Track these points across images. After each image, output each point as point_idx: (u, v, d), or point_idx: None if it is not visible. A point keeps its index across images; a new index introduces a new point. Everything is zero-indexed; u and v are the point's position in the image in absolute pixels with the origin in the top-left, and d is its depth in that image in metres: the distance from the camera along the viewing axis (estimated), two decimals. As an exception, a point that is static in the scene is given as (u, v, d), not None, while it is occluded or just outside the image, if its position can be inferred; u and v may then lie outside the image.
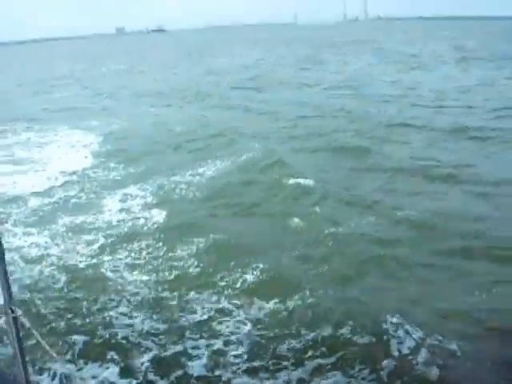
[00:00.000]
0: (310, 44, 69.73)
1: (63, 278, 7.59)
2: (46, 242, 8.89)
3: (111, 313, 6.65)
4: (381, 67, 35.42)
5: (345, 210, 9.68)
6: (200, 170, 12.34)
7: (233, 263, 7.73)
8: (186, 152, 14.51)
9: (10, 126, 19.91)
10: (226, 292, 7.03)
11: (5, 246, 2.72)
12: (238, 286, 7.18)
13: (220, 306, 6.72)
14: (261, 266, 7.60)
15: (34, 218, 10.09)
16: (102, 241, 8.86)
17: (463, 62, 36.01)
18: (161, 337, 6.18)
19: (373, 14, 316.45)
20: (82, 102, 25.88)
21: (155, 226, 9.37)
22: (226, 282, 7.27)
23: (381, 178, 11.31)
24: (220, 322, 6.38)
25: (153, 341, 6.09)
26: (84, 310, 6.74)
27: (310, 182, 11.02)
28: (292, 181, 11.18)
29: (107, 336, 6.18)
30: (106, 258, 8.21)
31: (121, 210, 10.24)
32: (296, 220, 9.21)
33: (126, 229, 9.33)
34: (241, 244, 8.52)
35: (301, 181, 11.08)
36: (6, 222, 9.81)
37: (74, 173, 13.04)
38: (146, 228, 9.27)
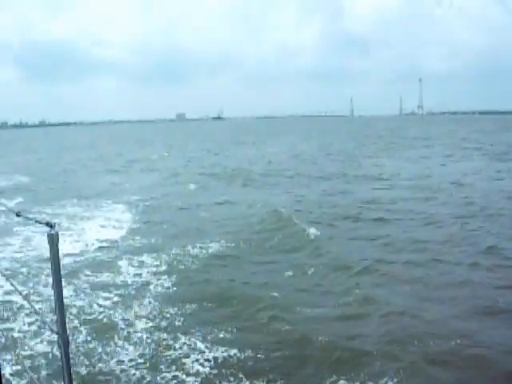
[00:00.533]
0: (355, 137, 72.44)
1: (83, 326, 9.27)
2: (70, 295, 10.70)
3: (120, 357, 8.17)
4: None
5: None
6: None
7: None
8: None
9: (68, 199, 23.22)
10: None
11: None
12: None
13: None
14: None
15: (64, 271, 12.07)
16: (116, 297, 10.67)
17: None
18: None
19: (428, 109, 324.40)
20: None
21: (162, 290, 11.12)
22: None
23: None
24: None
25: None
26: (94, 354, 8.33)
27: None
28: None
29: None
30: (119, 310, 9.97)
31: (135, 275, 12.12)
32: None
33: (137, 288, 11.12)
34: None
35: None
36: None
37: (105, 241, 15.30)
38: (154, 290, 10.99)
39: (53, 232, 2.34)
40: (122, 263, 12.93)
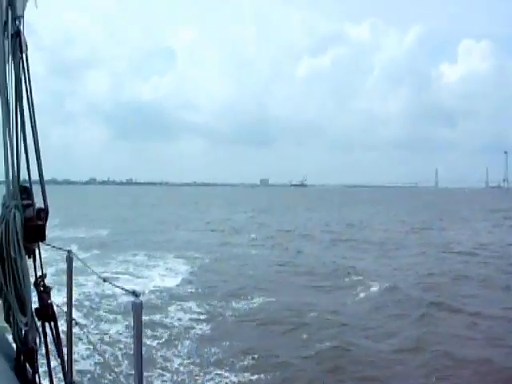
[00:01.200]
0: (432, 211, 70.69)
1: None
2: (118, 331, 12.08)
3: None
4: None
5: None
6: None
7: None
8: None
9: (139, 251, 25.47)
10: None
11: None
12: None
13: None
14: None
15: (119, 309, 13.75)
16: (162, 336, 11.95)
17: None
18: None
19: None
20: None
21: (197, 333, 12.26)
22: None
23: None
24: None
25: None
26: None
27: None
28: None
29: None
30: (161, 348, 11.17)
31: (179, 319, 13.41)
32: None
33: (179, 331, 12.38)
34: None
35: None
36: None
37: (160, 287, 16.83)
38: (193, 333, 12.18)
39: (137, 301, 2.36)
40: (171, 308, 14.30)
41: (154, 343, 11.39)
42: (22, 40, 3.13)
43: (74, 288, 3.65)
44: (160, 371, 9.70)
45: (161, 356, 10.54)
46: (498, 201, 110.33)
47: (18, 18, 3.14)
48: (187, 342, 11.50)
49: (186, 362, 10.31)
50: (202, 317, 13.57)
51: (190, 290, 16.74)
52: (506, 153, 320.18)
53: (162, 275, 19.13)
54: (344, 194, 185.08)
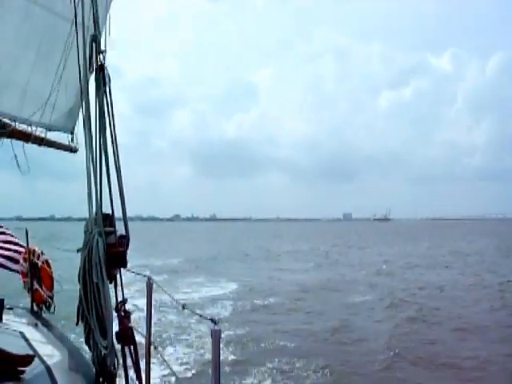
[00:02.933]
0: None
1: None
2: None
3: None
4: None
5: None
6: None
7: None
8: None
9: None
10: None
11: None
12: None
13: None
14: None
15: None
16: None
17: None
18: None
19: None
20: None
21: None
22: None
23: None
24: None
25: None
26: None
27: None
28: None
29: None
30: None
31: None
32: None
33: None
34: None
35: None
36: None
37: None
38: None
39: (216, 328, 2.39)
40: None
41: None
42: (106, 73, 3.32)
43: (152, 313, 3.72)
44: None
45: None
46: None
47: (101, 52, 3.34)
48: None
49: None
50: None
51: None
52: None
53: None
54: (430, 228, 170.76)
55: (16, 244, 6.46)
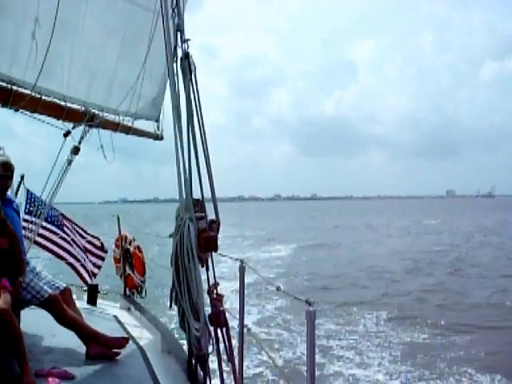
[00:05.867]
0: None
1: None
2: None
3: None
4: None
5: None
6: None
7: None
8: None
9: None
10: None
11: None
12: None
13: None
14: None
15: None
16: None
17: None
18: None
19: None
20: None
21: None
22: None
23: None
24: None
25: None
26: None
27: None
28: None
29: None
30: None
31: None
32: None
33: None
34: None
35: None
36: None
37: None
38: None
39: (311, 309, 2.37)
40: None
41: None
42: (191, 61, 3.34)
43: (246, 296, 3.75)
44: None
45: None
46: None
47: (185, 41, 3.37)
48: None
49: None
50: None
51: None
52: None
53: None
54: None
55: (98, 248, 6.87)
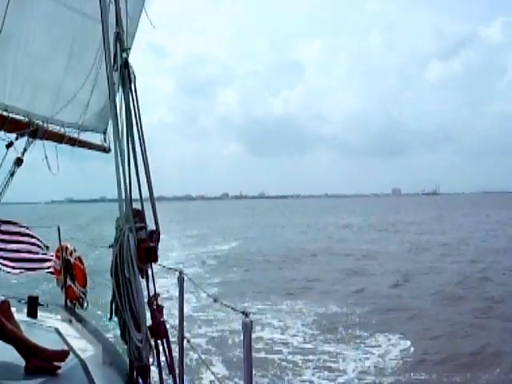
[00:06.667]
0: None
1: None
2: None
3: None
4: None
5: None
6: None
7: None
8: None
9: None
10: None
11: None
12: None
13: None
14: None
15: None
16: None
17: None
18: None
19: None
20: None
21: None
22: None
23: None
24: None
25: None
26: None
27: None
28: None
29: None
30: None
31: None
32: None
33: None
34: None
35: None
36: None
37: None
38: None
39: (247, 320, 2.40)
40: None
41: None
42: (130, 71, 3.36)
43: (185, 307, 3.77)
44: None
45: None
46: None
47: (125, 50, 3.38)
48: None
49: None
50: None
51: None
52: None
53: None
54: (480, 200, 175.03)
55: (40, 246, 6.66)
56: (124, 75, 3.36)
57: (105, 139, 6.38)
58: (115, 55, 3.39)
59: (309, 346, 11.79)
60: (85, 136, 6.11)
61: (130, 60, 3.39)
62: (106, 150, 6.35)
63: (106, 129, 6.34)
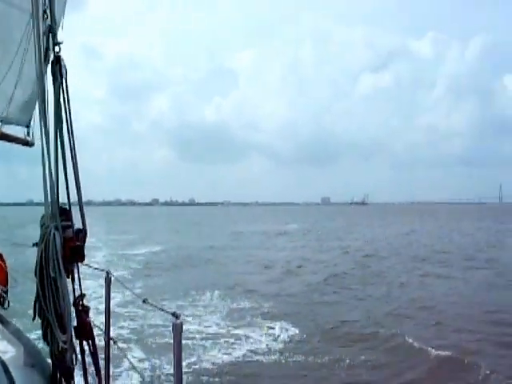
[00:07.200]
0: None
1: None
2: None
3: None
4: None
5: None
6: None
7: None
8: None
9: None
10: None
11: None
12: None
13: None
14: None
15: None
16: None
17: None
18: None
19: None
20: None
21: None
22: None
23: None
24: None
25: None
26: None
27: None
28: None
29: None
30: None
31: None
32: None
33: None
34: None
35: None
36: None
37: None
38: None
39: (177, 322, 2.41)
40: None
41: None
42: (62, 65, 3.26)
43: (112, 307, 3.70)
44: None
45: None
46: None
47: (57, 44, 3.28)
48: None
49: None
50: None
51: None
52: None
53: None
54: (401, 210, 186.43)
55: None
56: (55, 70, 3.26)
57: (28, 133, 6.11)
58: (47, 49, 3.28)
59: (222, 331, 13.90)
60: (7, 129, 5.83)
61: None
62: (28, 144, 6.09)
63: (30, 122, 6.07)
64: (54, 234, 3.18)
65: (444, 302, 17.49)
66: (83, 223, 3.36)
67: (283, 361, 11.34)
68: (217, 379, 10.06)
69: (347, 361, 11.14)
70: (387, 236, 50.15)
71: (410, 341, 12.34)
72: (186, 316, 14.84)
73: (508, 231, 55.47)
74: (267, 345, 12.49)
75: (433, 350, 11.46)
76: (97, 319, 3.88)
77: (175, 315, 2.44)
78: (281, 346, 12.46)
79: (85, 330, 3.44)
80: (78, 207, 3.36)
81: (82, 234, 3.32)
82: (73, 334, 3.32)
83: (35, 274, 3.29)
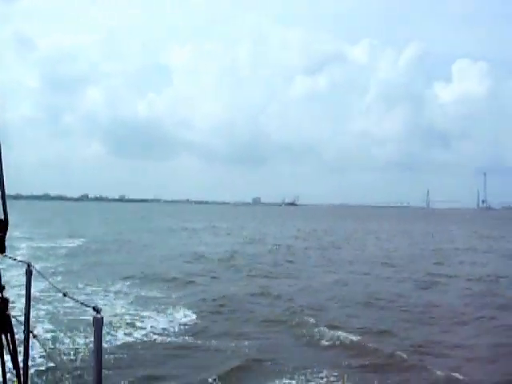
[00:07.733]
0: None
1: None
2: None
3: None
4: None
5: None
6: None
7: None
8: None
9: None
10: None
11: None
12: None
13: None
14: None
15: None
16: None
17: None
18: None
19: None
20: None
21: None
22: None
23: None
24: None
25: None
26: None
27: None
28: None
29: None
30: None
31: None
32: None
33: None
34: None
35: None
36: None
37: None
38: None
39: (98, 316, 2.36)
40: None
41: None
42: None
43: (33, 301, 3.64)
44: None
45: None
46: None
47: None
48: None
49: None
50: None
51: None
52: (484, 174, 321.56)
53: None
54: (334, 212, 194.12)
55: None
56: None
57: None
58: None
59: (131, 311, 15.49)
60: None
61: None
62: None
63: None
64: (-27, 225, 3.08)
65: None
66: (5, 213, 3.26)
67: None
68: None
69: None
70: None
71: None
72: (97, 303, 14.45)
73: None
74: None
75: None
76: (17, 312, 3.80)
77: (96, 309, 2.42)
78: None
79: (3, 323, 3.35)
80: None
81: (2, 224, 3.22)
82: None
83: None
